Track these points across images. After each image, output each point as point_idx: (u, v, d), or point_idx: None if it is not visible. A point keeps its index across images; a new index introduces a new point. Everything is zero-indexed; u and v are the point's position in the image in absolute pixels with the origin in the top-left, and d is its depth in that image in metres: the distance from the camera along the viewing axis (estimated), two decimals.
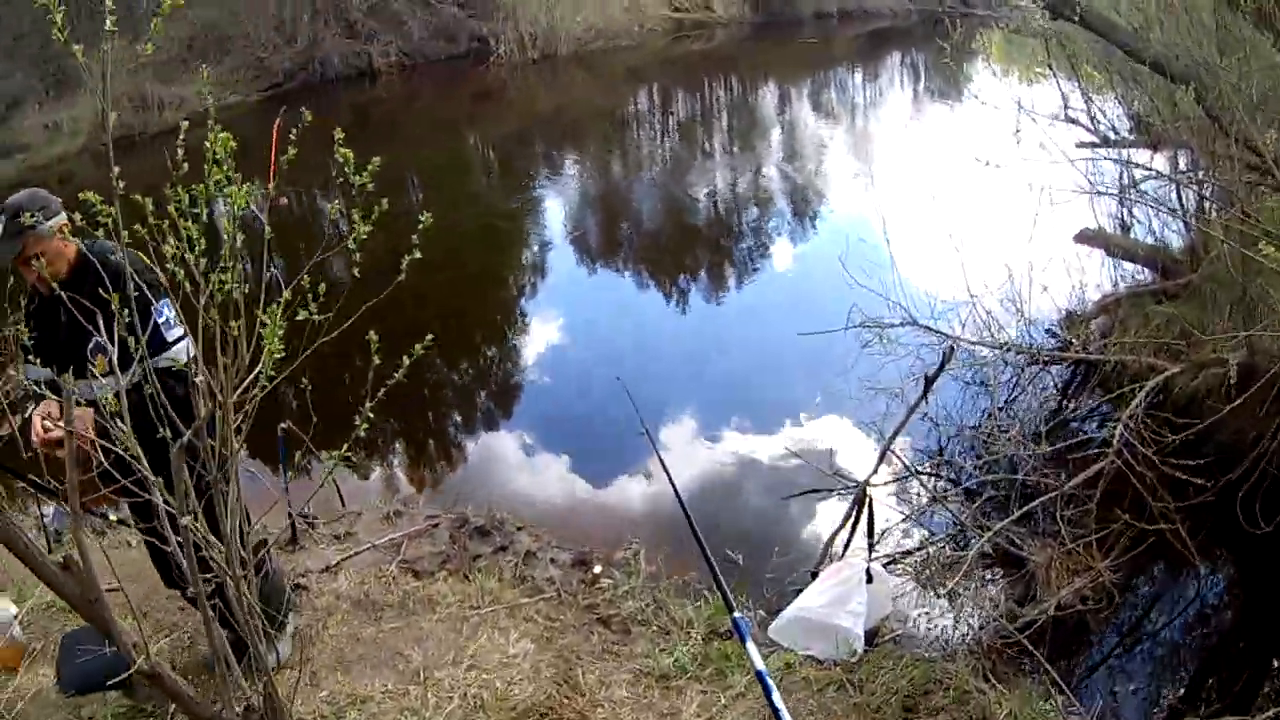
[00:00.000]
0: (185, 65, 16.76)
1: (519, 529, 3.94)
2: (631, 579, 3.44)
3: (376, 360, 1.71)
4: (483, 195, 10.55)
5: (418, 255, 1.73)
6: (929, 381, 4.18)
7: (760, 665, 2.28)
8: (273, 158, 1.76)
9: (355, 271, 1.68)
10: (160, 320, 2.24)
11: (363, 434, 1.74)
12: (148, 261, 1.66)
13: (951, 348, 4.21)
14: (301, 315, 1.67)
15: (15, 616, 2.86)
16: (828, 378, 4.97)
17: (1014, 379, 4.67)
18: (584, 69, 17.95)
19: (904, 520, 3.94)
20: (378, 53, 18.32)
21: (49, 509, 3.74)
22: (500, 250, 8.46)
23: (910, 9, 20.26)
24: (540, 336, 6.68)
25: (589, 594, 3.35)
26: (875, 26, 20.05)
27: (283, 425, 3.50)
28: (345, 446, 1.76)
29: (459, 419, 5.79)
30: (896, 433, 4.13)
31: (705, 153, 12.05)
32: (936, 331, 4.34)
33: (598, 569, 3.59)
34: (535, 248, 8.53)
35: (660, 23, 20.18)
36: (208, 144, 1.60)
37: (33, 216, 2.20)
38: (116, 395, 1.67)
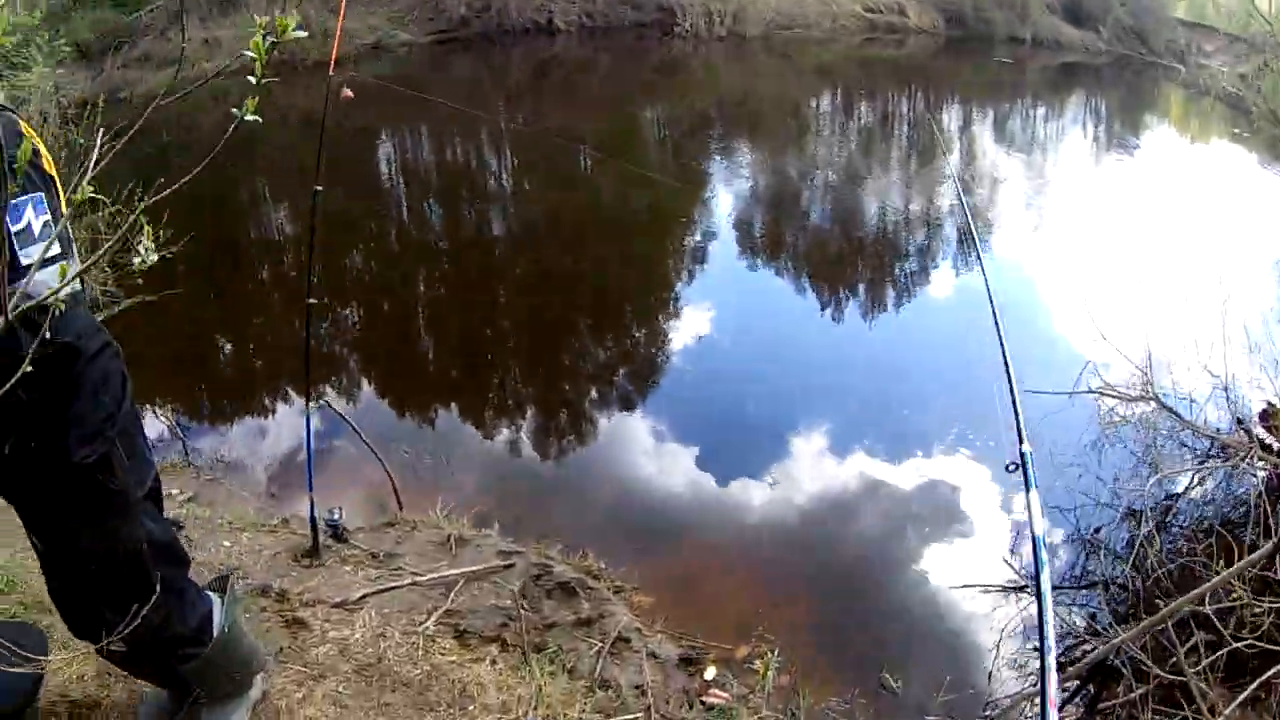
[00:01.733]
0: None
1: (616, 592, 2.97)
2: (755, 693, 2.56)
3: None
4: (653, 173, 10.07)
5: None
6: None
7: None
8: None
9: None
10: (15, 229, 1.24)
11: None
12: (33, 136, 0.95)
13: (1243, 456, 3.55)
14: None
15: None
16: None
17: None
18: (771, 55, 16.72)
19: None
20: (559, 10, 17.83)
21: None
22: (663, 233, 8.02)
23: (1101, 48, 19.14)
24: (689, 330, 5.76)
25: (693, 715, 2.42)
26: (1065, 60, 18.62)
27: (322, 400, 2.95)
28: None
29: (577, 411, 4.71)
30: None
31: (884, 165, 10.98)
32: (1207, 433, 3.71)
33: (710, 673, 2.66)
34: (698, 236, 8.02)
35: (852, 19, 19.36)
36: None
37: None
38: None
